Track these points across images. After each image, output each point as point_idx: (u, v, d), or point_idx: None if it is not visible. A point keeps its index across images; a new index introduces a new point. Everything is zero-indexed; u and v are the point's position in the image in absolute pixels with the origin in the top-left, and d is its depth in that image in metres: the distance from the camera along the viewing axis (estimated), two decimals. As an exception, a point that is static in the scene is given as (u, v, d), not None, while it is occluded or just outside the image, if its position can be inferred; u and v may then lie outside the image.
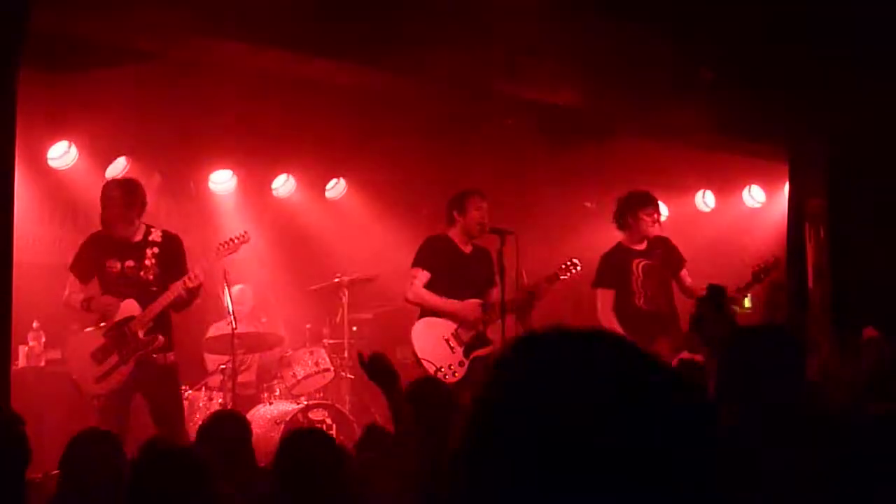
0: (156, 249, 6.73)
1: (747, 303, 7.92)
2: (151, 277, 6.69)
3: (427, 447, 3.83)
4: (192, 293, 6.71)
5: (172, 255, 6.80)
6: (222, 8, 5.97)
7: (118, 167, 8.65)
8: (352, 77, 7.24)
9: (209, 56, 6.84)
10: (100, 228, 6.86)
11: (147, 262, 6.69)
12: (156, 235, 6.79)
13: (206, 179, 9.34)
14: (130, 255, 6.71)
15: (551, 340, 1.27)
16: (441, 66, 6.84)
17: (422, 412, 4.04)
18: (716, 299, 6.36)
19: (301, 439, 3.85)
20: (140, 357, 6.59)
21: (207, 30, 6.08)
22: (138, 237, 6.77)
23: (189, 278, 6.59)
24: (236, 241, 7.06)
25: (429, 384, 4.74)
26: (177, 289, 6.60)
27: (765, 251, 8.84)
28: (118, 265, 6.69)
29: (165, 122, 8.30)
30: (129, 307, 6.62)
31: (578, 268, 7.41)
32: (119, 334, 6.59)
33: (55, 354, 7.76)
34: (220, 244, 7.03)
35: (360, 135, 9.06)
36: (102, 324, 6.68)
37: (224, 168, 9.36)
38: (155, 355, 6.65)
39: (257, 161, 9.34)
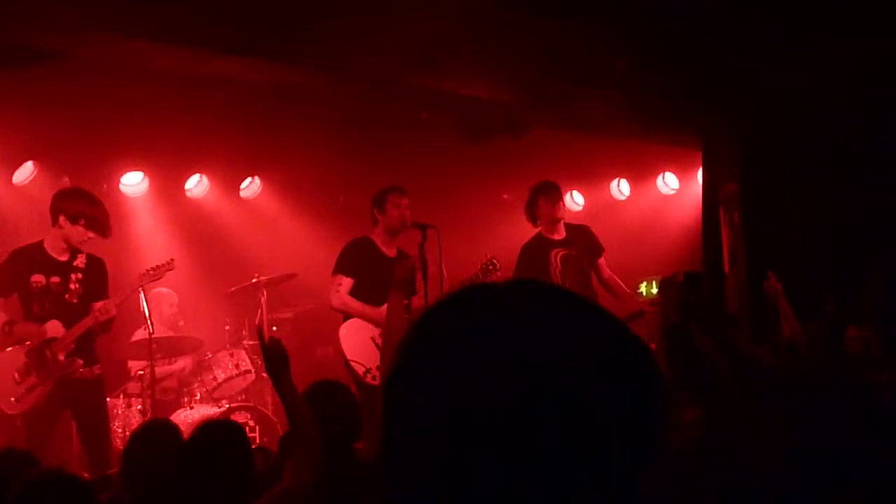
0: (80, 275, 6.65)
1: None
2: (76, 300, 6.62)
3: (323, 448, 3.77)
4: (105, 325, 6.65)
5: (96, 278, 6.76)
6: (128, 5, 5.84)
7: (25, 172, 8.44)
8: (263, 74, 7.15)
9: (115, 54, 6.68)
10: (19, 242, 6.75)
11: (72, 285, 6.62)
12: (80, 260, 6.69)
13: (117, 182, 9.13)
14: (57, 273, 6.61)
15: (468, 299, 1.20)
16: (354, 61, 6.79)
17: (319, 413, 3.96)
18: (694, 286, 6.45)
19: (211, 428, 3.83)
20: (59, 378, 6.51)
21: (113, 27, 5.95)
22: (65, 257, 6.66)
23: (100, 311, 6.52)
24: (161, 268, 6.93)
25: (330, 386, 4.66)
26: (91, 319, 6.53)
27: (683, 251, 9.00)
28: (44, 280, 6.58)
29: (73, 124, 8.10)
30: (53, 328, 6.53)
31: (498, 268, 7.38)
32: (39, 355, 6.49)
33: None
34: (145, 271, 6.90)
35: (273, 132, 8.95)
36: (27, 343, 6.54)
37: (135, 170, 9.16)
38: (82, 371, 6.58)
39: (169, 161, 9.17)
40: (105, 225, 6.71)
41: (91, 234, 6.63)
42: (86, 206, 6.65)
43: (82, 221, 6.58)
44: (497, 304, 1.18)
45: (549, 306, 1.19)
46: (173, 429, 4.60)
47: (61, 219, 6.59)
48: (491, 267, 7.34)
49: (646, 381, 1.17)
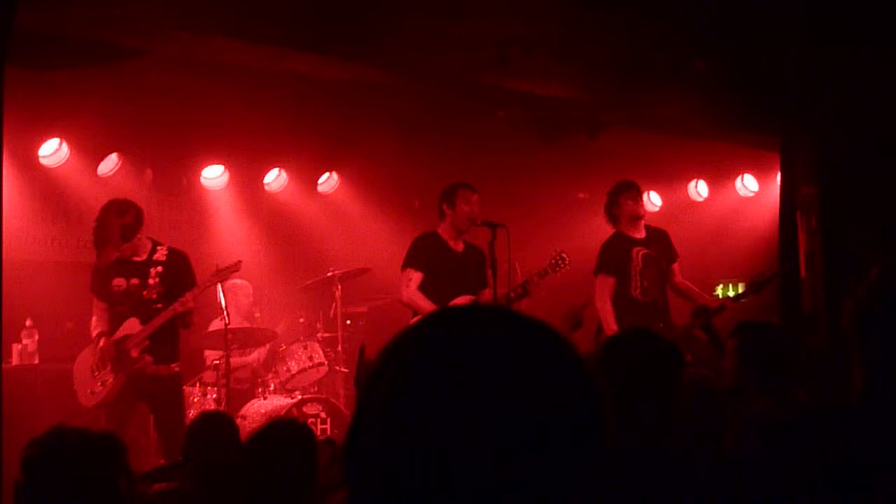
0: (160, 269, 6.75)
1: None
2: (155, 296, 6.73)
3: None
4: (184, 317, 6.75)
5: (178, 272, 6.82)
6: (209, 4, 5.96)
7: (110, 164, 8.66)
8: (341, 72, 7.21)
9: (197, 52, 6.81)
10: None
11: (151, 280, 6.72)
12: (161, 254, 6.81)
13: (198, 174, 9.34)
14: (135, 274, 6.75)
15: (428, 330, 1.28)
16: (430, 60, 6.83)
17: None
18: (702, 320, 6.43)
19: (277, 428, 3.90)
20: (130, 373, 6.66)
21: (196, 26, 6.06)
22: (143, 255, 6.79)
23: (180, 303, 6.64)
24: (227, 270, 7.04)
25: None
26: (172, 310, 6.65)
27: (760, 254, 8.86)
28: (124, 283, 6.74)
29: (157, 118, 8.30)
30: (131, 325, 6.70)
31: (567, 262, 7.35)
32: (114, 351, 6.65)
33: (48, 352, 7.78)
34: (214, 272, 6.99)
35: (352, 129, 9.06)
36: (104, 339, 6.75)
37: (216, 163, 9.35)
38: (157, 367, 6.70)
39: (249, 156, 9.33)
40: (128, 231, 6.70)
41: (139, 239, 6.73)
42: (119, 219, 6.70)
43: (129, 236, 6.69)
44: (454, 334, 1.26)
45: (508, 333, 1.26)
46: (228, 421, 4.72)
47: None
48: (560, 261, 7.31)
49: (583, 408, 1.23)
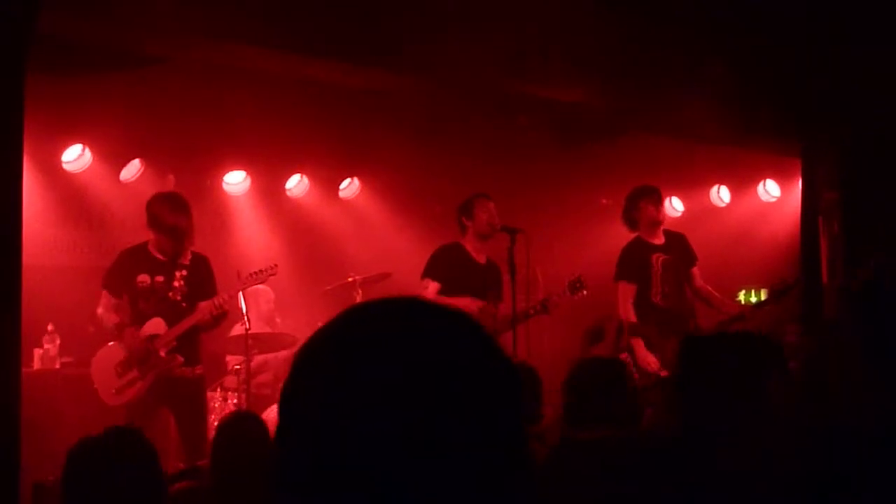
0: (184, 272, 6.77)
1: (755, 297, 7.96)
2: (180, 297, 6.74)
3: None
4: (217, 319, 6.76)
5: (201, 275, 6.85)
6: (231, 11, 5.99)
7: (132, 170, 8.71)
8: (362, 79, 7.24)
9: (219, 59, 6.86)
10: (125, 239, 6.92)
11: (176, 283, 6.73)
12: (185, 258, 6.82)
13: (220, 180, 9.38)
14: (161, 272, 6.75)
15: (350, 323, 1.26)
16: (451, 66, 6.84)
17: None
18: None
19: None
20: (159, 373, 6.65)
21: (217, 33, 6.11)
22: (167, 256, 6.80)
23: (215, 305, 6.65)
24: (265, 272, 7.01)
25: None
26: (203, 312, 6.66)
27: (782, 260, 8.81)
28: (148, 280, 6.73)
29: (178, 124, 8.34)
30: (156, 325, 6.69)
31: (585, 287, 7.32)
32: (141, 351, 6.64)
33: (69, 357, 7.82)
34: (250, 274, 6.97)
35: (373, 135, 9.07)
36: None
37: (238, 169, 9.39)
38: (183, 369, 6.72)
39: (271, 162, 9.37)
40: (181, 234, 6.72)
41: (170, 242, 6.71)
42: (167, 215, 6.72)
43: (161, 230, 6.70)
44: (375, 325, 1.25)
45: (433, 326, 1.24)
46: (259, 422, 4.72)
47: (148, 224, 6.78)
48: (578, 284, 7.32)
49: (502, 408, 1.21)
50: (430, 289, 7.21)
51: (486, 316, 7.08)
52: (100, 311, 6.80)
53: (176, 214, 6.73)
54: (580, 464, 3.52)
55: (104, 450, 3.24)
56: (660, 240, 7.78)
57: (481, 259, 7.39)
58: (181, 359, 6.69)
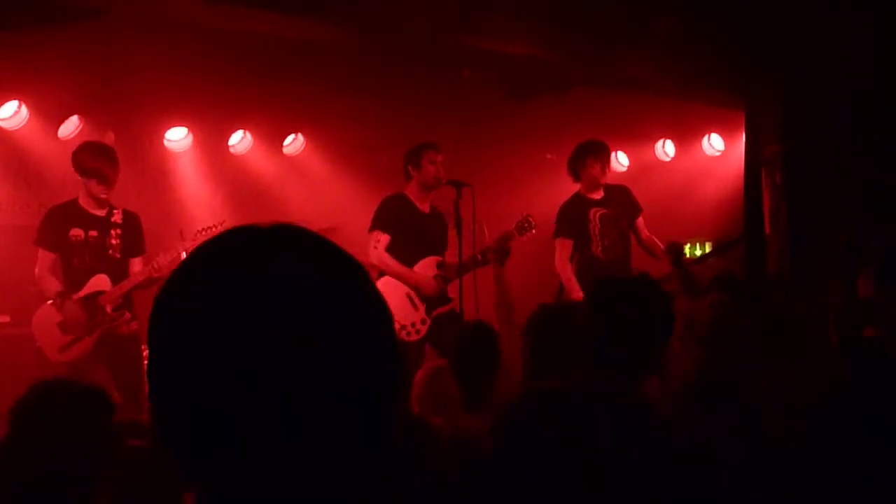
0: (119, 230, 6.74)
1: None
2: (119, 255, 6.72)
3: None
4: (155, 282, 6.71)
5: (133, 233, 6.85)
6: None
7: (71, 126, 8.53)
8: (301, 31, 7.16)
9: (158, 11, 6.74)
10: (65, 196, 6.83)
11: (113, 240, 6.69)
12: (117, 216, 6.78)
13: (161, 137, 9.22)
14: (94, 226, 6.69)
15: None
16: (394, 19, 6.77)
17: None
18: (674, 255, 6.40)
19: None
20: (105, 330, 6.61)
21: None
22: (101, 212, 6.75)
23: (154, 269, 6.62)
24: (211, 230, 6.95)
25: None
26: (144, 273, 6.65)
27: (727, 213, 8.89)
28: (82, 234, 6.66)
29: (117, 80, 8.17)
30: (100, 282, 6.65)
31: (533, 225, 7.31)
32: (88, 307, 6.56)
33: (6, 317, 7.70)
34: (199, 231, 6.91)
35: (317, 90, 8.96)
36: (73, 296, 6.65)
37: (179, 125, 9.24)
38: (127, 325, 6.71)
39: (213, 118, 9.23)
40: (104, 178, 6.67)
41: (104, 189, 6.67)
42: (87, 159, 6.68)
43: (93, 177, 6.64)
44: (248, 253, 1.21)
45: (300, 257, 1.21)
46: None
47: (78, 174, 6.69)
48: (526, 224, 7.31)
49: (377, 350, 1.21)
50: (382, 241, 7.20)
51: (447, 269, 7.15)
52: (37, 270, 6.70)
53: (97, 158, 6.67)
54: (549, 414, 3.53)
55: (59, 395, 3.15)
56: (598, 194, 7.84)
57: (425, 208, 7.39)
58: (129, 314, 6.68)
